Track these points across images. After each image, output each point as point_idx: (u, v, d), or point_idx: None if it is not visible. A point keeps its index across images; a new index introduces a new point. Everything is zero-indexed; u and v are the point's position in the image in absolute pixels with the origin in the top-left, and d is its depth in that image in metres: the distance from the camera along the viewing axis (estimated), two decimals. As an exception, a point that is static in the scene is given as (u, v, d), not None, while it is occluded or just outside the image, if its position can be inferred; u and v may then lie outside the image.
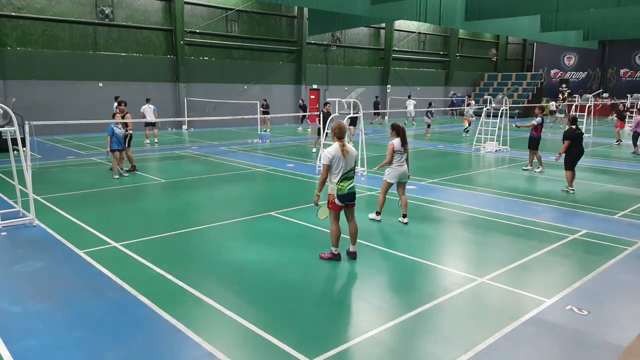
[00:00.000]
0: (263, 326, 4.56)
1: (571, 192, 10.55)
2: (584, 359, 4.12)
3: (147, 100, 19.37)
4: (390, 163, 7.86)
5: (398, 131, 7.82)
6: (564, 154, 10.61)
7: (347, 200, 6.14)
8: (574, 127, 10.57)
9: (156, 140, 19.15)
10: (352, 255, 6.40)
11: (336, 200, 6.07)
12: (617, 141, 20.11)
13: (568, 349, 4.26)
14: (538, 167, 13.27)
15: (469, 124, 24.11)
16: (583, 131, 10.89)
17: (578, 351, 4.23)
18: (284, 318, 4.78)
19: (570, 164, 10.55)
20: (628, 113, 24.44)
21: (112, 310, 4.91)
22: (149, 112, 18.83)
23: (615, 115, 20.63)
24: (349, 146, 6.12)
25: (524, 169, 13.50)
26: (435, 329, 4.58)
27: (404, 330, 4.57)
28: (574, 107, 23.45)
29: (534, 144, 13.08)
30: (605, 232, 7.70)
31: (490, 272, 5.95)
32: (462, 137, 22.68)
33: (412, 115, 30.43)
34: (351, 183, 6.10)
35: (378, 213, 8.22)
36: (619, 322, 4.75)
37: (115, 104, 19.27)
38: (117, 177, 11.86)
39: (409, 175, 8.11)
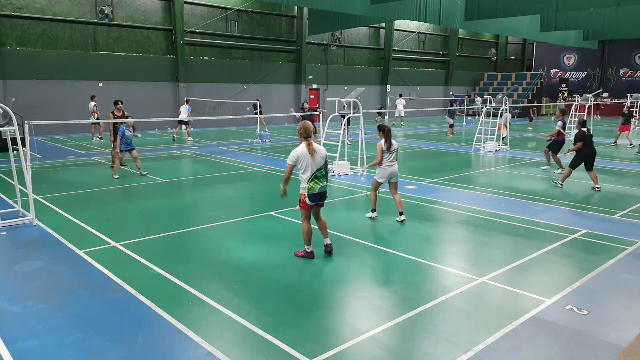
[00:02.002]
0: (263, 326, 4.57)
1: (559, 186, 11.03)
2: (584, 359, 4.12)
3: (187, 102, 20.99)
4: (380, 163, 8.00)
5: (383, 131, 7.95)
6: (573, 152, 10.93)
7: (318, 199, 6.23)
8: (584, 129, 10.76)
9: (190, 139, 20.44)
10: (328, 248, 6.47)
11: (307, 200, 6.16)
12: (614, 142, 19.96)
13: (568, 349, 4.26)
14: (558, 169, 12.88)
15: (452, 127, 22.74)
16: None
17: (578, 351, 4.23)
18: (284, 318, 4.78)
19: (576, 163, 10.83)
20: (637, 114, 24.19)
21: (112, 310, 4.92)
22: (184, 111, 20.21)
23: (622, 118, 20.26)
24: (317, 146, 6.21)
25: (543, 169, 13.38)
26: (435, 329, 4.58)
27: (404, 330, 4.57)
28: (573, 107, 23.45)
29: (556, 147, 12.85)
30: (605, 232, 7.69)
31: (490, 272, 5.95)
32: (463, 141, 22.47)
33: (402, 116, 30.38)
34: (323, 182, 6.17)
35: (373, 210, 8.33)
36: (619, 322, 4.75)
37: (93, 103, 19.56)
38: (117, 177, 11.88)
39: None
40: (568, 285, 5.58)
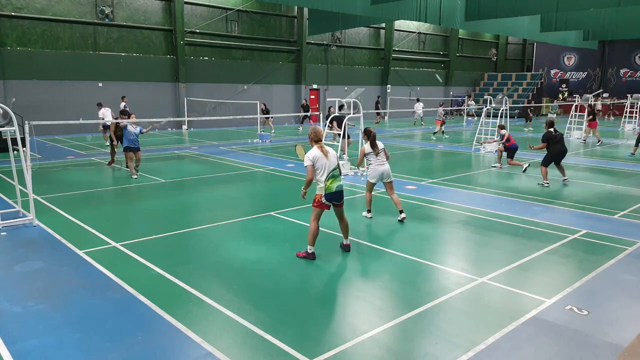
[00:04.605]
0: (263, 326, 4.57)
1: (545, 185, 11.29)
2: (584, 359, 4.12)
3: (100, 105, 18.45)
4: (365, 164, 8.22)
5: (368, 135, 8.07)
6: (539, 151, 11.95)
7: (335, 199, 6.29)
8: (551, 130, 11.51)
9: (107, 144, 17.17)
10: (347, 248, 6.63)
11: (323, 199, 6.21)
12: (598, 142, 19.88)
13: (568, 349, 4.26)
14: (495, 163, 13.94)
15: (441, 126, 22.72)
16: (564, 133, 12.03)
17: (578, 351, 4.23)
18: (284, 318, 4.78)
19: (547, 161, 11.46)
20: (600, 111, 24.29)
21: (112, 310, 4.91)
22: (107, 114, 17.89)
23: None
24: (327, 147, 6.37)
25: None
26: (435, 329, 4.58)
27: (404, 330, 4.57)
28: (573, 107, 23.45)
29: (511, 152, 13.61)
30: (605, 232, 7.70)
31: (490, 272, 5.95)
32: (445, 137, 22.17)
33: (422, 116, 30.47)
34: (339, 181, 6.28)
35: (369, 211, 8.40)
36: (619, 322, 4.75)
37: (123, 103, 19.23)
38: (136, 176, 11.89)
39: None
40: (568, 285, 5.58)
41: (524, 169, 13.07)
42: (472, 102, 33.35)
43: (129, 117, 12.36)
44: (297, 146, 7.21)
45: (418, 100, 31.51)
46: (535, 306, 5.03)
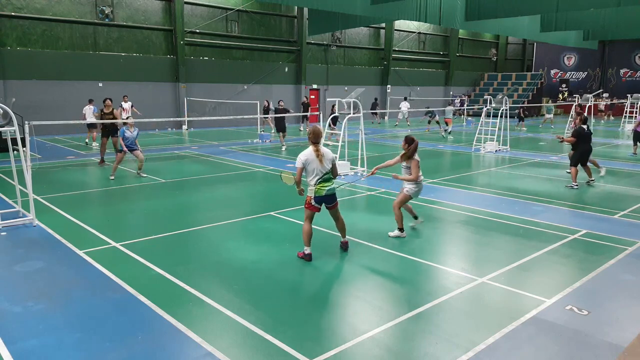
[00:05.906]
0: (263, 326, 4.56)
1: (575, 187, 10.94)
2: (584, 359, 4.12)
3: (90, 101, 18.33)
4: (416, 179, 7.13)
5: (410, 143, 7.11)
6: (571, 150, 11.36)
7: (326, 202, 6.29)
8: (584, 126, 11.16)
9: (95, 143, 18.01)
10: (345, 246, 6.62)
11: (312, 202, 6.22)
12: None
13: (568, 349, 4.26)
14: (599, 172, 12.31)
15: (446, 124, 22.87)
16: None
17: (578, 351, 4.23)
18: (284, 318, 4.78)
19: (576, 161, 11.13)
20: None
21: (112, 310, 4.91)
22: (88, 113, 17.83)
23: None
24: (324, 149, 6.27)
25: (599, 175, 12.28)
26: (435, 329, 4.58)
27: (404, 330, 4.57)
28: (573, 107, 23.45)
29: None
30: (605, 232, 7.69)
31: (490, 272, 5.95)
32: (446, 137, 22.23)
33: (406, 117, 30.35)
34: (330, 185, 6.23)
35: (401, 229, 7.28)
36: (619, 322, 4.75)
37: (128, 104, 19.31)
38: (113, 178, 11.78)
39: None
40: (568, 285, 5.58)
41: None
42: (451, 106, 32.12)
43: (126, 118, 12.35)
44: (282, 174, 6.79)
45: (405, 99, 31.33)
46: (535, 306, 5.03)
